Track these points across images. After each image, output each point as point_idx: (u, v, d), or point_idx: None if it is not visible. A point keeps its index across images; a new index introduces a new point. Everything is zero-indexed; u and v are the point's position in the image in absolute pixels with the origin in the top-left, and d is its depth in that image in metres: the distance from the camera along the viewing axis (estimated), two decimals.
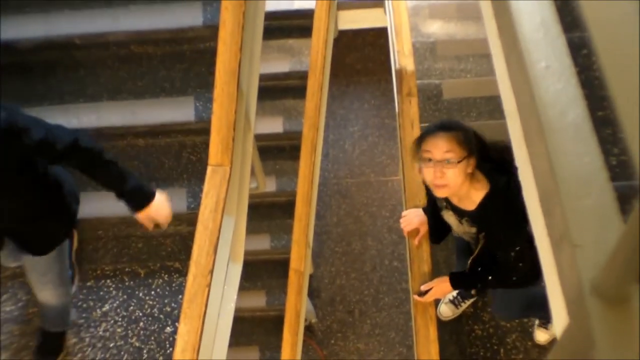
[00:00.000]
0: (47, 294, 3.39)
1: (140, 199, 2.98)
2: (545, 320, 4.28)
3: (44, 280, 3.31)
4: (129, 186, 2.92)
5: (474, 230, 3.16)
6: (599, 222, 1.27)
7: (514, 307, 3.95)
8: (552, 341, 4.32)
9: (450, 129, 2.94)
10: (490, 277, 3.22)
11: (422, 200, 3.64)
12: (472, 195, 3.02)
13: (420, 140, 2.99)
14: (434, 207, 3.39)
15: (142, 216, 3.00)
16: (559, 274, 1.51)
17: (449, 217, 3.27)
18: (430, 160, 2.89)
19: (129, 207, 2.98)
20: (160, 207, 3.03)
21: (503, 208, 2.94)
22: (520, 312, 4.16)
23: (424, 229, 3.52)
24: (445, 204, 3.22)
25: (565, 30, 1.61)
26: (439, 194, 3.00)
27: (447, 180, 2.88)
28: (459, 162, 2.85)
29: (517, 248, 3.02)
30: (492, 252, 3.16)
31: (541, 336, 4.36)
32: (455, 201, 3.12)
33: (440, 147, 2.87)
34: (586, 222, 1.28)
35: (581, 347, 1.29)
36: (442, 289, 3.36)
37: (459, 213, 3.16)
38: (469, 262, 3.33)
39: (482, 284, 3.33)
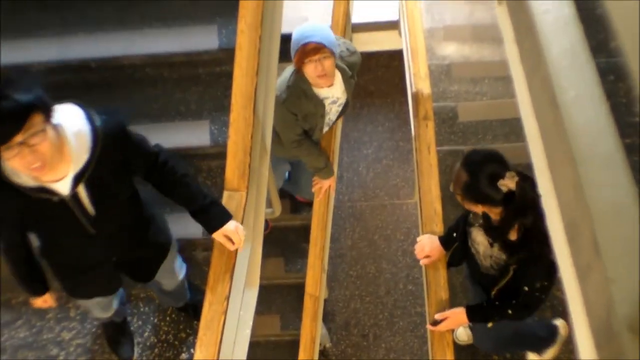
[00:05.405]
0: (167, 283, 3.47)
1: (219, 215, 2.85)
2: (537, 351, 4.14)
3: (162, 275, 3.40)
4: (208, 200, 2.83)
5: (503, 257, 3.06)
6: (634, 255, 1.23)
7: (499, 342, 3.85)
8: None
9: None
10: (510, 311, 3.12)
11: (439, 225, 3.61)
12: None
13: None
14: (463, 223, 3.30)
15: (219, 235, 2.85)
16: (586, 306, 1.48)
17: (478, 235, 3.16)
18: None
19: (208, 224, 2.86)
20: (237, 226, 2.86)
21: (544, 240, 2.83)
22: (505, 346, 4.04)
23: (435, 255, 3.47)
24: (481, 221, 3.10)
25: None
26: None
27: None
28: None
29: (546, 283, 2.95)
30: (519, 284, 3.04)
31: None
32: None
33: None
34: (620, 255, 1.24)
35: None
36: (457, 320, 3.28)
37: (494, 235, 3.06)
38: (494, 293, 3.23)
39: (500, 318, 3.23)
